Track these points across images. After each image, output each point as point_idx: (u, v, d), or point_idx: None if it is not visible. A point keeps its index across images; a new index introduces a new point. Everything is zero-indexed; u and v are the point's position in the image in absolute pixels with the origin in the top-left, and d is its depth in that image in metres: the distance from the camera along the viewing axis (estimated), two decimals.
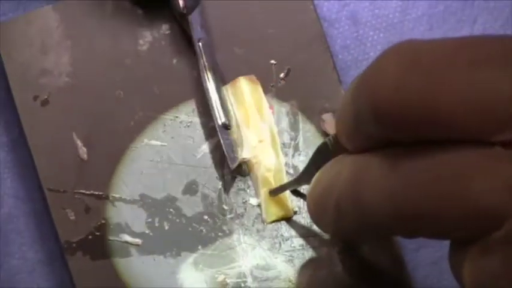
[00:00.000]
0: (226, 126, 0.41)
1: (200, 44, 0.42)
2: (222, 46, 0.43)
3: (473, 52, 0.26)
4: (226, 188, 0.42)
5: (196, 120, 0.42)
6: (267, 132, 0.42)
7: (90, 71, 0.43)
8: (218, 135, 0.41)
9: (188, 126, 0.42)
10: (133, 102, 0.42)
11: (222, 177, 0.42)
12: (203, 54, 0.42)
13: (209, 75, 0.42)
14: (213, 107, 0.41)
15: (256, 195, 0.42)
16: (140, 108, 0.42)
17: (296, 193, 0.42)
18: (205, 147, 0.42)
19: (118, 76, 0.43)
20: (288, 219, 0.41)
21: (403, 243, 0.42)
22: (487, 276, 0.27)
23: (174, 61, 0.43)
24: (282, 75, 0.43)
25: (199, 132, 0.42)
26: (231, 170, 0.41)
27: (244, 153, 0.41)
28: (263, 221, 0.41)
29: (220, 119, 0.41)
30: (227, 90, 0.42)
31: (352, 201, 0.30)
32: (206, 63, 0.42)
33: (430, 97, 0.26)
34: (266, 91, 0.43)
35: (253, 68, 0.43)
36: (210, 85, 0.42)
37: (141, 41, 0.43)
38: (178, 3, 0.42)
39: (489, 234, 0.26)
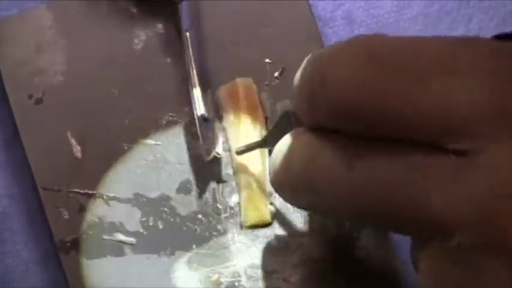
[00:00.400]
0: (205, 118, 0.41)
1: (187, 33, 0.42)
2: (216, 45, 0.43)
3: (437, 59, 0.26)
4: (221, 187, 0.42)
5: (191, 119, 0.42)
6: (256, 137, 0.41)
7: (84, 70, 0.43)
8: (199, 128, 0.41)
9: (183, 125, 0.42)
10: (127, 101, 0.42)
11: (216, 176, 0.42)
12: (189, 45, 0.42)
13: (193, 65, 0.41)
14: (193, 97, 0.41)
15: (238, 198, 0.42)
16: (134, 107, 0.42)
17: (270, 151, 0.41)
18: (199, 146, 0.42)
19: (112, 75, 0.43)
20: (265, 225, 0.41)
21: (398, 243, 0.42)
22: (439, 281, 0.27)
23: (169, 60, 0.43)
24: (276, 74, 0.43)
25: (193, 130, 0.42)
26: (205, 161, 0.41)
27: (217, 148, 0.41)
28: (240, 226, 0.41)
29: (199, 110, 0.41)
30: (222, 90, 0.42)
31: (307, 186, 0.30)
32: (191, 54, 0.42)
33: (386, 100, 0.26)
34: (260, 90, 0.43)
35: (248, 66, 0.43)
36: (193, 75, 0.41)
37: (135, 40, 0.43)
38: None
39: (441, 240, 0.26)
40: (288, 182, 0.32)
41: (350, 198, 0.28)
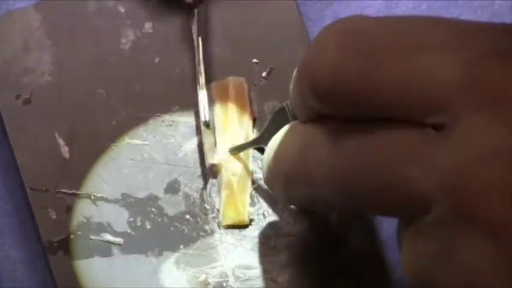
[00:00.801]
0: (207, 125, 0.41)
1: (200, 38, 0.42)
2: (204, 45, 0.43)
3: (411, 37, 0.26)
4: (208, 187, 0.42)
5: (179, 119, 0.42)
6: (242, 138, 0.42)
7: (72, 70, 0.43)
8: (201, 133, 0.41)
9: (170, 125, 0.42)
10: (115, 101, 0.42)
11: (204, 176, 0.42)
12: (200, 51, 0.42)
13: (203, 71, 0.42)
14: (200, 104, 0.41)
15: (219, 197, 0.42)
16: (122, 107, 0.42)
17: (261, 151, 0.41)
18: (187, 147, 0.42)
19: (100, 75, 0.43)
20: (243, 226, 0.41)
21: (386, 241, 0.42)
22: (418, 258, 0.27)
23: (157, 60, 0.43)
24: (264, 74, 0.43)
25: (181, 131, 0.42)
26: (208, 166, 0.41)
27: (213, 158, 0.42)
28: (219, 225, 0.41)
29: (205, 116, 0.41)
30: (213, 88, 0.42)
31: (300, 176, 0.31)
32: (202, 60, 0.42)
33: (363, 80, 0.26)
34: (248, 90, 0.43)
35: (236, 66, 0.43)
36: (201, 81, 0.41)
37: (123, 40, 0.43)
38: None
39: (421, 217, 0.27)
40: (282, 174, 0.32)
41: (337, 182, 0.29)
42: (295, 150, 0.31)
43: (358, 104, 0.27)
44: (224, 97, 0.42)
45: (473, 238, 0.25)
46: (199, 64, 0.42)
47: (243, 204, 0.41)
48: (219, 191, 0.41)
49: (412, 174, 0.26)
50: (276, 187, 0.34)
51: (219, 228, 0.41)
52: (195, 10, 0.42)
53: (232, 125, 0.42)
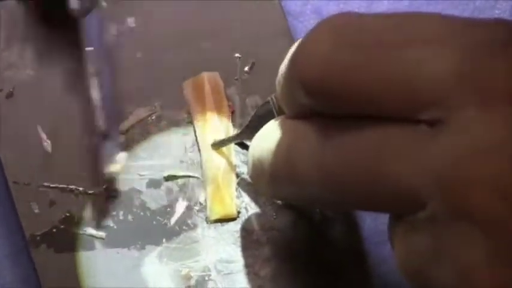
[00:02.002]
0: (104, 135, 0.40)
1: (88, 51, 0.41)
2: (187, 40, 0.43)
3: (401, 32, 0.26)
4: (191, 181, 0.42)
5: (160, 113, 0.43)
6: (222, 132, 0.42)
7: (54, 64, 0.43)
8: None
9: (153, 119, 0.42)
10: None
11: (186, 171, 0.42)
12: (88, 63, 0.41)
13: (92, 83, 0.40)
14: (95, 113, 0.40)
15: (204, 192, 0.42)
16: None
17: (242, 145, 0.42)
18: (170, 141, 0.42)
19: (82, 70, 0.43)
20: (231, 219, 0.41)
21: (368, 237, 0.42)
22: (412, 255, 0.27)
23: (139, 55, 0.43)
24: (246, 68, 0.43)
25: (163, 125, 0.42)
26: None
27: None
28: (207, 220, 0.41)
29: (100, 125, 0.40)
30: (188, 85, 0.42)
31: (287, 173, 0.30)
32: (91, 72, 0.40)
33: (354, 74, 0.26)
34: (230, 84, 0.43)
35: (218, 61, 0.43)
36: (94, 93, 0.40)
37: (105, 35, 0.43)
38: (69, 3, 0.40)
39: (413, 214, 0.26)
40: (268, 171, 0.32)
41: (325, 179, 0.28)
42: (282, 146, 0.31)
43: (348, 98, 0.27)
44: (200, 93, 0.42)
45: (468, 233, 0.25)
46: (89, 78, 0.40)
47: (230, 197, 0.41)
48: (203, 186, 0.42)
49: (404, 170, 0.26)
50: (262, 183, 0.34)
51: (207, 223, 0.41)
52: (82, 20, 0.40)
53: (211, 119, 0.42)
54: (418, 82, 0.25)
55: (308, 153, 0.29)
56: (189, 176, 0.42)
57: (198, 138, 0.42)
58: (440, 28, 0.26)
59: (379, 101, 0.26)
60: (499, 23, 0.26)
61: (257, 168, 0.33)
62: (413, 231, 0.27)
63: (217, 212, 0.41)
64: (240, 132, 0.40)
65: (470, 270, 0.25)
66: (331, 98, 0.27)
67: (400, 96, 0.26)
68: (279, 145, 0.31)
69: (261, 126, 0.34)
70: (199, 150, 0.42)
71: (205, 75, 0.42)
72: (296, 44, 0.30)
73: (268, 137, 0.32)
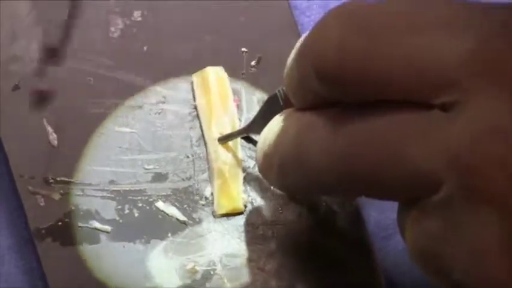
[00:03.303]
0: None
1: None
2: (192, 34, 0.43)
3: (418, 15, 0.26)
4: (196, 175, 0.42)
5: (167, 107, 0.42)
6: (228, 125, 0.42)
7: (60, 58, 0.43)
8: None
9: (159, 113, 0.42)
10: (103, 89, 0.42)
11: (192, 165, 0.42)
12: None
13: None
14: None
15: (211, 186, 0.42)
16: (111, 95, 0.42)
17: (248, 140, 0.42)
18: (175, 135, 0.42)
19: (88, 62, 0.43)
20: (239, 213, 0.41)
21: (373, 232, 0.42)
22: (425, 239, 0.27)
23: (145, 48, 0.43)
24: (253, 63, 0.43)
25: (169, 119, 0.42)
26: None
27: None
28: (214, 214, 0.41)
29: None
30: (194, 78, 0.42)
31: (296, 161, 0.30)
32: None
33: (369, 59, 0.26)
34: (237, 79, 0.43)
35: (224, 55, 0.43)
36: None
37: (112, 28, 0.43)
38: None
39: (428, 197, 0.26)
40: (278, 161, 0.32)
41: (338, 165, 0.28)
42: (290, 136, 0.31)
43: (362, 83, 0.27)
44: (206, 86, 0.42)
45: (483, 216, 0.25)
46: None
47: (237, 191, 0.41)
48: (210, 181, 0.42)
49: (420, 153, 0.26)
50: (271, 175, 0.34)
51: (214, 217, 0.41)
52: None
53: (217, 111, 0.42)
54: (434, 64, 0.25)
55: (318, 142, 0.29)
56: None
57: (204, 133, 0.42)
58: (457, 12, 0.26)
59: (393, 85, 0.26)
60: None
61: (266, 159, 0.33)
62: (425, 215, 0.27)
63: (224, 207, 0.41)
64: (247, 126, 0.40)
65: (484, 254, 0.25)
66: (346, 84, 0.27)
67: (414, 81, 0.26)
68: (288, 135, 0.31)
69: (269, 120, 0.34)
70: (205, 144, 0.42)
71: (211, 69, 0.42)
72: (304, 35, 0.30)
73: (277, 128, 0.32)
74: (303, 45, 0.29)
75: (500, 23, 0.25)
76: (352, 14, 0.27)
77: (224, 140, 0.41)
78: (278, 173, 0.32)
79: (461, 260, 0.26)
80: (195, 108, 0.42)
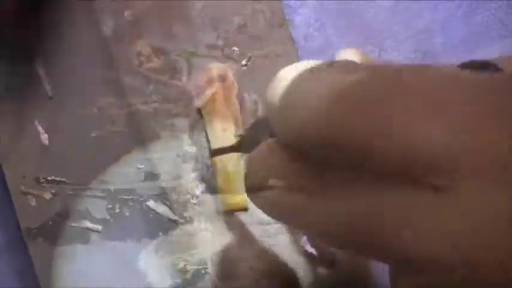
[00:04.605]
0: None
1: None
2: (186, 33, 0.43)
3: (404, 98, 0.25)
4: (187, 174, 0.42)
5: (158, 106, 0.42)
6: (231, 122, 0.42)
7: (52, 58, 0.42)
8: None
9: (150, 113, 0.42)
10: (96, 88, 0.42)
11: (182, 165, 0.42)
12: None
13: None
14: None
15: (215, 184, 0.42)
16: (103, 95, 0.42)
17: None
18: (166, 134, 0.42)
19: (80, 62, 0.43)
20: (242, 210, 0.41)
21: None
22: None
23: (138, 47, 0.43)
24: (244, 62, 0.43)
25: (161, 119, 0.42)
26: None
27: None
28: (218, 211, 0.41)
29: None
30: (197, 76, 0.42)
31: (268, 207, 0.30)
32: None
33: (352, 129, 0.25)
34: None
35: (216, 54, 0.43)
36: None
37: (104, 28, 0.43)
38: None
39: (415, 276, 0.26)
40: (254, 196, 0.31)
41: (316, 226, 0.27)
42: (270, 177, 0.29)
43: (345, 150, 0.25)
44: (209, 82, 0.42)
45: None
46: None
47: (241, 189, 0.41)
48: (214, 177, 0.42)
49: (404, 236, 0.25)
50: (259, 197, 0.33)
51: (219, 214, 0.41)
52: None
53: (220, 108, 0.42)
54: (425, 147, 0.24)
55: (297, 190, 0.28)
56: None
57: (207, 130, 0.42)
58: (447, 94, 0.25)
59: (378, 160, 0.25)
60: (505, 81, 0.26)
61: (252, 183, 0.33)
62: None
63: (229, 204, 0.41)
64: (237, 145, 0.40)
65: None
66: (331, 151, 0.26)
67: (402, 159, 0.25)
68: (267, 174, 0.30)
69: (258, 139, 0.33)
70: (208, 141, 0.42)
71: (214, 66, 0.42)
72: (276, 84, 0.28)
73: (259, 160, 0.31)
74: (275, 107, 0.28)
75: (491, 108, 0.25)
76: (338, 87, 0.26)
77: (216, 153, 0.41)
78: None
79: None
80: (198, 105, 0.42)
